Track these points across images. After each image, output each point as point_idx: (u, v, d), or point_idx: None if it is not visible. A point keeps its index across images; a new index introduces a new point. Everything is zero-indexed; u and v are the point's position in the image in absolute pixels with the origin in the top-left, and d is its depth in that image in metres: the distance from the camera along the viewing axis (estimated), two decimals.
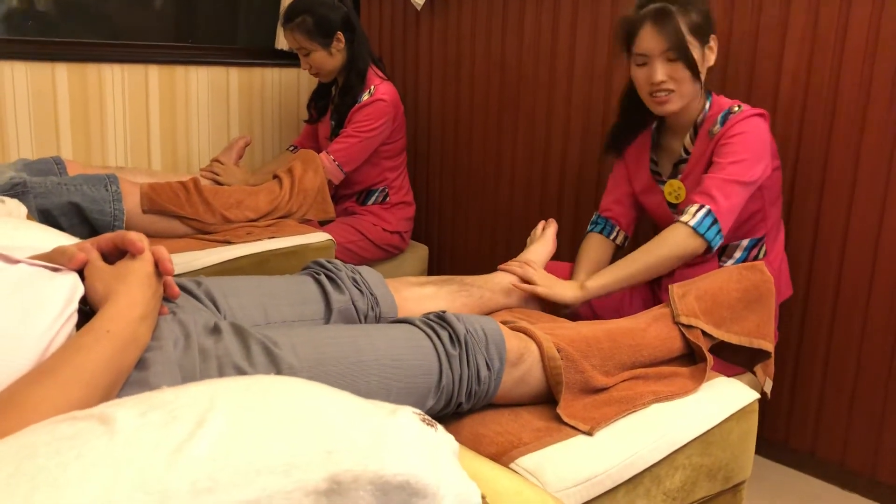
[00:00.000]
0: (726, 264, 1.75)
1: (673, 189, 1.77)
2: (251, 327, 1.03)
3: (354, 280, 1.25)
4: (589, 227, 1.91)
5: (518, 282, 1.60)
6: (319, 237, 2.00)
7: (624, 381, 1.25)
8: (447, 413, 1.11)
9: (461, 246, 2.67)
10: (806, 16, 1.79)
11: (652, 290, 1.89)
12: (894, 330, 1.75)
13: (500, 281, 1.58)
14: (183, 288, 1.09)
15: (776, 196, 1.74)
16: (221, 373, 0.88)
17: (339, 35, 2.32)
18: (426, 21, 2.63)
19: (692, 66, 1.62)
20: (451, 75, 2.59)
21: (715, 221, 1.58)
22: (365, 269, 1.31)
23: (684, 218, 1.59)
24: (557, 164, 2.34)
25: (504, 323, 1.26)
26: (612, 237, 1.87)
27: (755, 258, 1.75)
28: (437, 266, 2.69)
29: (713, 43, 1.68)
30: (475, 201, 2.60)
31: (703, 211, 1.58)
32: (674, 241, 1.59)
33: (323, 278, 1.24)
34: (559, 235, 2.10)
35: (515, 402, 1.18)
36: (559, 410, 1.15)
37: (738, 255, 1.75)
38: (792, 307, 1.90)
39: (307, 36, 2.31)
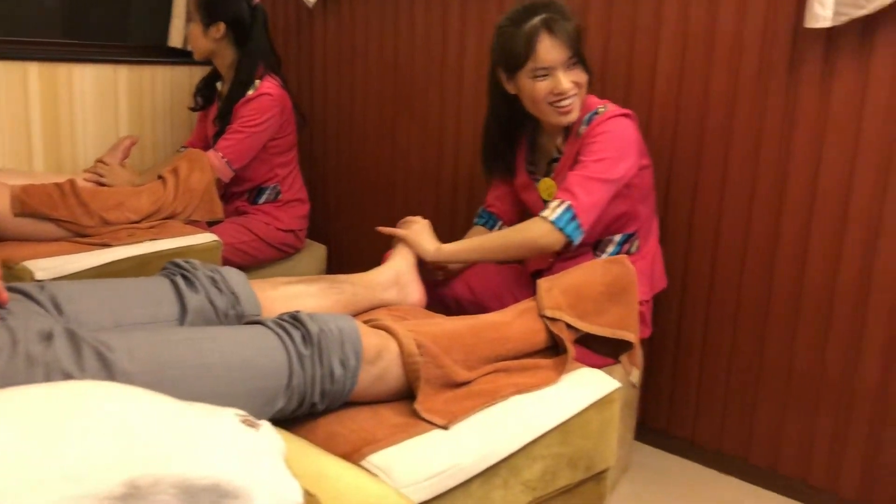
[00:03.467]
0: (601, 258, 1.80)
1: (547, 187, 1.81)
2: (97, 331, 1.01)
3: (213, 279, 1.24)
4: (475, 221, 1.96)
5: (390, 230, 1.73)
6: (204, 238, 1.97)
7: (486, 374, 1.27)
8: (302, 413, 1.11)
9: (359, 244, 2.67)
10: (677, 19, 1.85)
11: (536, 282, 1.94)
12: (764, 320, 1.83)
13: (376, 277, 1.58)
14: (22, 292, 1.07)
15: (646, 194, 1.79)
16: (48, 379, 0.86)
17: (220, 25, 2.29)
18: (320, 19, 2.62)
19: (589, 69, 1.68)
20: (347, 74, 2.59)
21: (574, 217, 1.62)
22: (226, 269, 1.30)
23: (545, 213, 1.63)
24: (451, 162, 2.36)
25: (368, 321, 1.27)
26: (494, 230, 1.91)
27: (628, 252, 1.80)
28: (336, 265, 2.68)
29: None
30: (372, 199, 2.60)
31: (563, 207, 1.62)
32: (531, 233, 1.64)
33: (178, 279, 1.22)
34: (456, 235, 2.11)
35: (376, 400, 1.19)
36: (416, 406, 1.16)
37: (610, 249, 1.80)
38: (670, 299, 1.97)
39: (196, 3, 2.30)
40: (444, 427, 1.14)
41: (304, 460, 0.94)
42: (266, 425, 0.82)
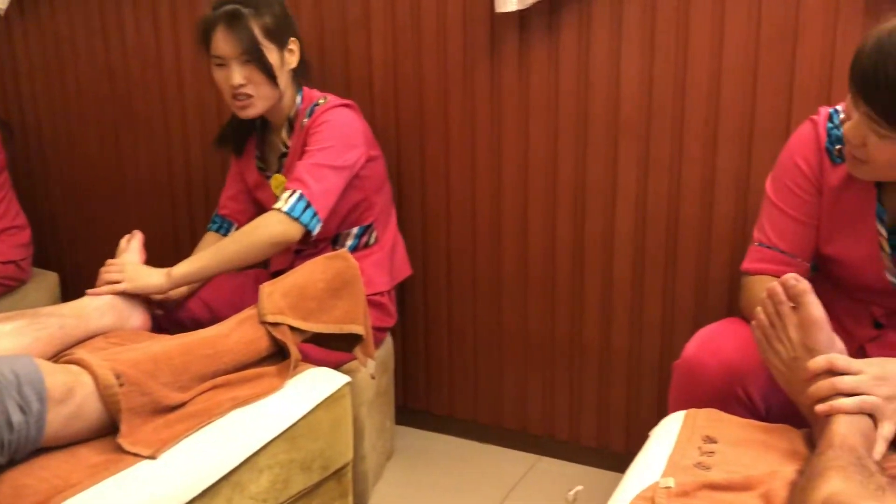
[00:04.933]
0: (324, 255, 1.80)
1: (278, 183, 1.78)
2: None
3: None
4: (208, 227, 1.88)
5: (105, 291, 1.52)
6: None
7: (203, 392, 1.22)
8: None
9: (96, 265, 2.48)
10: (384, 8, 1.88)
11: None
12: (499, 292, 1.92)
13: (88, 304, 1.47)
14: None
15: (380, 185, 1.81)
16: None
17: None
18: (18, 27, 2.38)
19: (267, 70, 1.64)
20: (57, 83, 2.38)
21: (309, 205, 1.60)
22: None
23: (278, 205, 1.60)
24: (182, 166, 2.25)
25: (63, 355, 1.17)
26: (231, 234, 1.84)
27: (367, 244, 1.81)
28: (73, 291, 2.46)
29: (293, 45, 1.71)
30: (104, 214, 2.42)
31: (296, 196, 1.60)
32: (266, 228, 1.59)
33: None
34: (197, 241, 2.00)
35: (76, 440, 1.11)
36: (120, 439, 1.09)
37: (349, 242, 1.80)
38: (415, 284, 2.01)
39: None
40: (152, 457, 1.08)
41: None
42: None
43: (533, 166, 1.81)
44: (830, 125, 1.21)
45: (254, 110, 1.67)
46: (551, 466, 1.91)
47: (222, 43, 1.62)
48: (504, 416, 1.99)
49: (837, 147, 1.19)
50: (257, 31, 1.62)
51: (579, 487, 1.39)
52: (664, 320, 1.76)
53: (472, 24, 1.80)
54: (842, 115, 1.16)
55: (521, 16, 1.74)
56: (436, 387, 2.07)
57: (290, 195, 1.60)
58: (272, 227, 1.58)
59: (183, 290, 1.65)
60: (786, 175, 1.24)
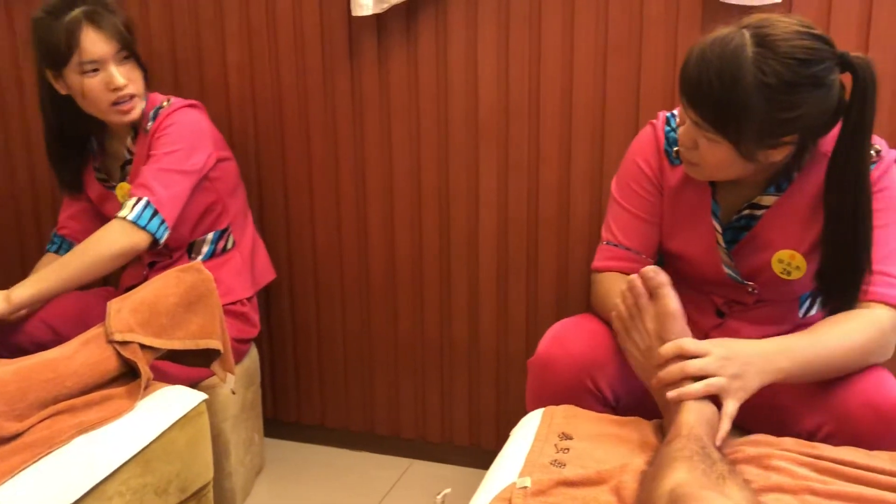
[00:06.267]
0: (197, 259, 1.74)
1: (124, 193, 1.70)
2: None
3: None
4: (46, 248, 1.77)
5: None
6: None
7: (43, 420, 1.14)
8: None
9: None
10: (238, 11, 1.83)
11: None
12: (367, 297, 1.90)
13: None
14: None
15: (233, 187, 1.76)
16: None
17: None
18: None
19: (143, 66, 1.60)
20: None
21: (156, 213, 1.54)
22: None
23: (122, 213, 1.53)
24: (27, 182, 2.11)
25: None
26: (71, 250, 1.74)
27: (224, 249, 1.75)
28: None
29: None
30: None
31: (142, 203, 1.53)
32: (111, 239, 1.51)
33: None
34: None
35: None
36: None
37: (205, 249, 1.74)
38: (281, 291, 1.97)
39: None
40: None
41: None
42: None
43: (397, 169, 1.81)
44: (668, 128, 1.27)
45: (136, 112, 1.61)
46: (424, 469, 1.92)
47: (95, 45, 1.53)
48: (376, 422, 1.98)
49: (675, 149, 1.25)
50: (122, 27, 1.55)
51: (447, 490, 1.40)
52: (528, 318, 1.80)
53: (329, 27, 1.78)
54: (677, 120, 1.22)
55: (379, 19, 1.73)
56: (306, 397, 2.03)
57: (136, 202, 1.53)
58: (117, 238, 1.51)
59: (22, 312, 1.54)
60: (629, 176, 1.30)
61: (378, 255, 1.87)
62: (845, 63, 1.08)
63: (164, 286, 1.36)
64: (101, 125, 1.69)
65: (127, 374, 1.29)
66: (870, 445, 1.04)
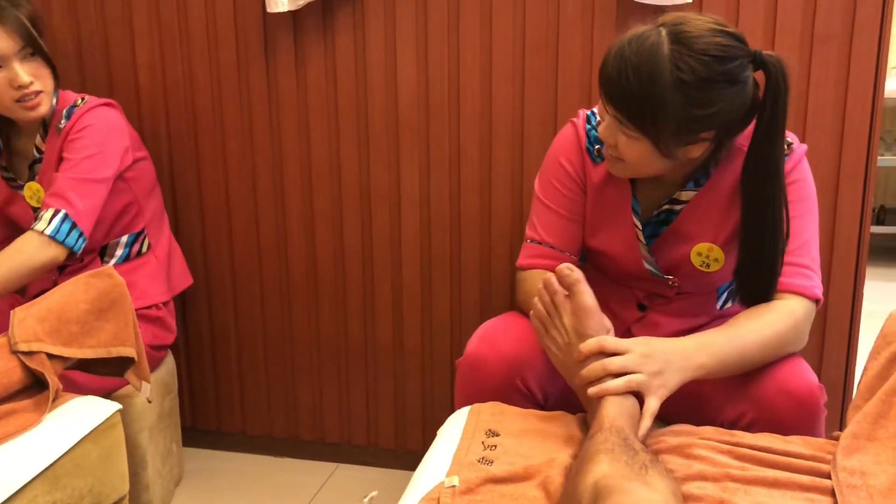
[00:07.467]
0: (110, 263, 1.67)
1: (33, 192, 1.63)
2: None
3: None
4: None
5: None
6: None
7: None
8: None
9: None
10: (148, 9, 1.76)
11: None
12: (288, 300, 1.86)
13: None
14: None
15: (149, 188, 1.70)
16: None
17: None
18: None
19: (50, 61, 1.54)
20: None
21: (74, 226, 1.49)
22: None
23: (39, 226, 1.47)
24: None
25: None
26: None
27: (139, 253, 1.69)
28: None
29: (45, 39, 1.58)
30: None
31: (60, 216, 1.48)
32: (28, 253, 1.46)
33: None
34: None
35: None
36: None
37: (119, 252, 1.67)
38: (198, 296, 1.91)
39: None
40: None
41: None
42: None
43: (316, 169, 1.78)
44: (588, 126, 1.29)
45: (44, 108, 1.54)
46: (350, 473, 1.89)
47: None
48: (300, 427, 1.94)
49: (597, 147, 1.27)
50: (27, 22, 1.48)
51: (374, 493, 1.38)
52: (452, 317, 1.79)
53: (243, 24, 1.73)
54: (598, 118, 1.24)
55: (295, 16, 1.70)
56: (226, 403, 1.97)
57: (53, 215, 1.47)
58: (33, 253, 1.46)
59: None
60: (551, 175, 1.31)
61: (298, 257, 1.84)
62: (758, 61, 1.11)
63: (72, 292, 1.29)
64: (8, 122, 1.61)
65: (33, 386, 1.23)
66: (789, 431, 1.08)
